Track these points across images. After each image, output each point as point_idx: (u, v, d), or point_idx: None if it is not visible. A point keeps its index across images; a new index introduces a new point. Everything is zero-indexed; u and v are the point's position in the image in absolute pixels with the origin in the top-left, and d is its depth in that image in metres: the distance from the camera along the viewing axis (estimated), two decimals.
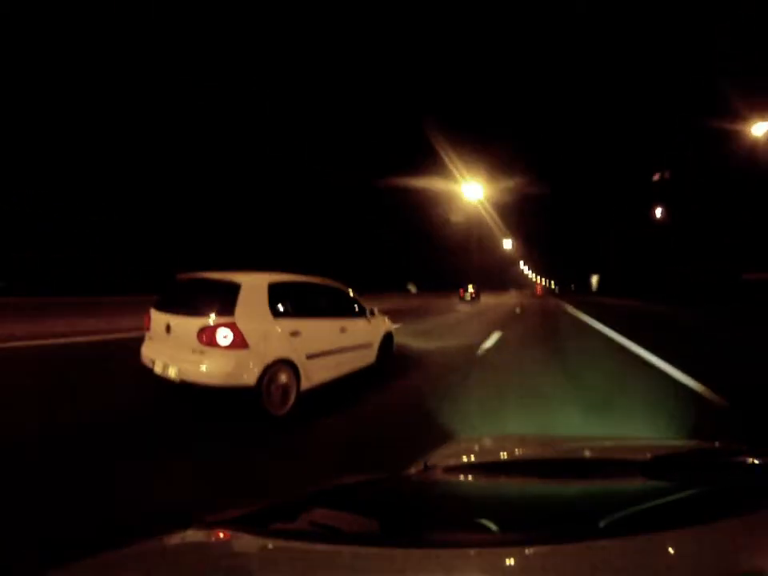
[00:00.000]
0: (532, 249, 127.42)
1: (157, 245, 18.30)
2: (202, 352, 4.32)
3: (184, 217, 19.66)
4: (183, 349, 4.42)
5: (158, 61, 17.12)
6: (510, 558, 0.83)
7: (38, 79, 14.08)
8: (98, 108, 15.93)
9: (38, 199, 14.56)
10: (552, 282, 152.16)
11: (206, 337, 4.31)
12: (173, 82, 17.94)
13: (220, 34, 18.72)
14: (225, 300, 4.48)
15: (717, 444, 1.64)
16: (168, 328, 4.63)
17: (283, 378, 4.65)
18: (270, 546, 0.89)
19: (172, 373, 4.41)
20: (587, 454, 1.69)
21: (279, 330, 4.79)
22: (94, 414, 4.38)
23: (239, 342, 4.34)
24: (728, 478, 1.21)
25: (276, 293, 4.91)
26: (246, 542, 0.91)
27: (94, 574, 0.85)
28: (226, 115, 21.93)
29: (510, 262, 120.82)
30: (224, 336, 4.30)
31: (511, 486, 1.33)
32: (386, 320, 7.47)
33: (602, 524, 0.92)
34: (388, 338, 7.26)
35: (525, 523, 0.98)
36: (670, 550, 0.85)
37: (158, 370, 4.57)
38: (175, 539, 0.97)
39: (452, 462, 1.51)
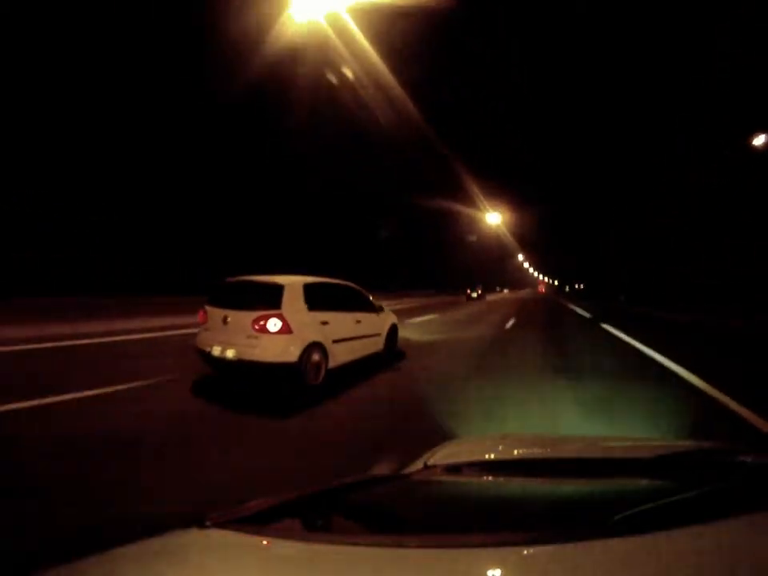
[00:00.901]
0: (534, 243, 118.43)
1: (157, 245, 18.31)
2: (256, 337, 5.60)
3: (185, 217, 19.66)
4: (240, 335, 5.67)
5: (158, 60, 17.13)
6: (510, 558, 0.83)
7: (38, 79, 14.11)
8: (98, 108, 15.95)
9: (38, 199, 14.58)
10: (555, 281, 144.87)
11: (260, 325, 5.62)
12: (179, 82, 17.94)
13: (220, 33, 18.67)
14: (272, 297, 5.82)
15: (718, 444, 1.62)
16: (225, 320, 5.84)
17: (316, 357, 6.03)
18: (270, 546, 0.89)
19: (229, 354, 5.61)
20: (588, 453, 1.69)
21: (313, 320, 6.16)
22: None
23: (285, 329, 5.68)
24: (729, 478, 1.21)
25: (309, 291, 6.25)
26: (246, 542, 0.90)
27: (93, 573, 0.85)
28: (231, 115, 21.88)
29: (507, 254, 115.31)
30: (274, 324, 5.62)
31: (511, 485, 1.32)
32: (392, 315, 8.85)
33: (602, 524, 0.91)
34: (393, 329, 8.68)
35: (525, 523, 0.98)
36: (671, 550, 0.84)
37: (215, 353, 5.74)
38: (175, 539, 0.96)
39: (452, 461, 1.50)
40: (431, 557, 0.83)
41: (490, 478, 1.37)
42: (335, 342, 6.46)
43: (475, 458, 1.64)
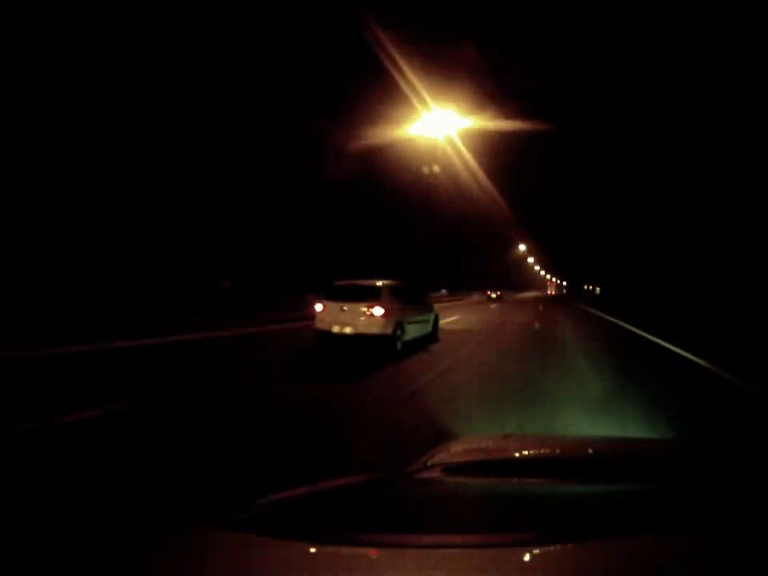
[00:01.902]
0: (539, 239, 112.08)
1: (156, 246, 18.29)
2: (367, 319, 8.97)
3: (187, 217, 19.65)
4: (355, 318, 9.00)
5: (160, 60, 17.13)
6: (510, 559, 0.83)
7: (38, 79, 14.12)
8: (98, 108, 15.95)
9: (38, 199, 14.58)
10: (563, 281, 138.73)
11: (370, 311, 8.97)
12: (178, 81, 17.94)
13: (221, 33, 18.69)
14: (375, 293, 9.31)
15: (718, 443, 1.69)
16: (342, 309, 9.13)
17: (398, 332, 9.44)
18: (271, 545, 0.88)
19: (347, 330, 9.00)
20: (588, 453, 1.70)
21: (397, 308, 9.59)
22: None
23: (385, 313, 9.07)
24: (729, 478, 1.21)
25: (394, 289, 9.87)
26: (246, 542, 0.91)
27: (93, 573, 0.85)
28: (228, 114, 21.85)
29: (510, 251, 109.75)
30: (378, 310, 8.98)
31: (512, 485, 1.33)
32: (434, 308, 12.74)
33: (603, 525, 0.91)
34: (436, 318, 12.49)
35: (526, 524, 0.98)
36: (671, 551, 0.84)
37: (335, 330, 9.10)
38: (176, 539, 0.96)
39: (452, 461, 1.50)
40: (431, 557, 0.82)
41: (491, 478, 1.36)
42: (408, 323, 9.98)
43: (476, 457, 1.64)
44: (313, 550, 0.86)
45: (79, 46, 14.50)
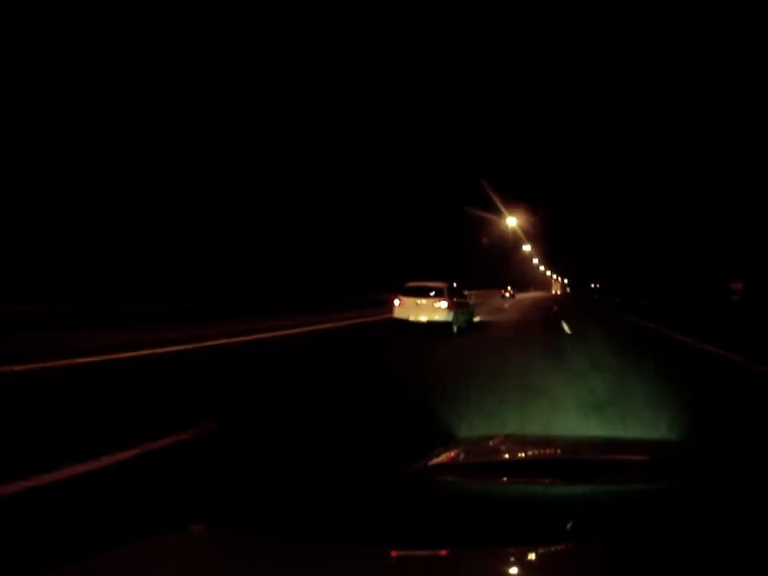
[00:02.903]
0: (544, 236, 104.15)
1: (157, 246, 18.06)
2: (435, 310, 12.47)
3: (188, 219, 19.38)
4: (427, 309, 12.49)
5: (162, 59, 16.79)
6: (510, 559, 0.84)
7: (38, 79, 13.82)
8: (98, 108, 15.64)
9: (38, 199, 14.38)
10: (565, 279, 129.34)
11: (437, 304, 12.52)
12: (178, 81, 17.58)
13: (222, 33, 18.31)
14: (440, 291, 12.75)
15: (718, 444, 1.70)
16: (416, 303, 12.52)
17: (454, 319, 12.81)
18: (270, 546, 0.88)
19: (422, 318, 12.48)
20: (588, 454, 1.69)
21: (453, 302, 13.01)
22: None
23: (448, 306, 12.62)
24: (729, 478, 1.23)
25: (450, 288, 13.21)
26: (246, 542, 0.90)
27: (92, 574, 0.84)
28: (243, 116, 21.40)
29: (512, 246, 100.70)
30: (443, 303, 12.54)
31: (512, 486, 1.32)
32: (470, 300, 17.22)
33: (603, 525, 0.93)
34: (473, 309, 16.43)
35: (525, 524, 0.99)
36: (672, 551, 0.84)
37: (412, 318, 12.59)
38: (175, 539, 0.96)
39: (452, 462, 1.50)
40: (431, 557, 0.83)
41: (491, 478, 1.35)
42: (458, 313, 13.40)
43: (476, 458, 1.65)
44: (313, 550, 0.86)
45: (80, 46, 14.15)
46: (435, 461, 1.47)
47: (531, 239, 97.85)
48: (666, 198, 39.07)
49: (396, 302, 12.88)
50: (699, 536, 0.87)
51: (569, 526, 0.93)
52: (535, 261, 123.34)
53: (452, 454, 1.67)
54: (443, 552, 0.85)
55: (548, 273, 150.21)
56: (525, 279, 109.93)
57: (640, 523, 0.89)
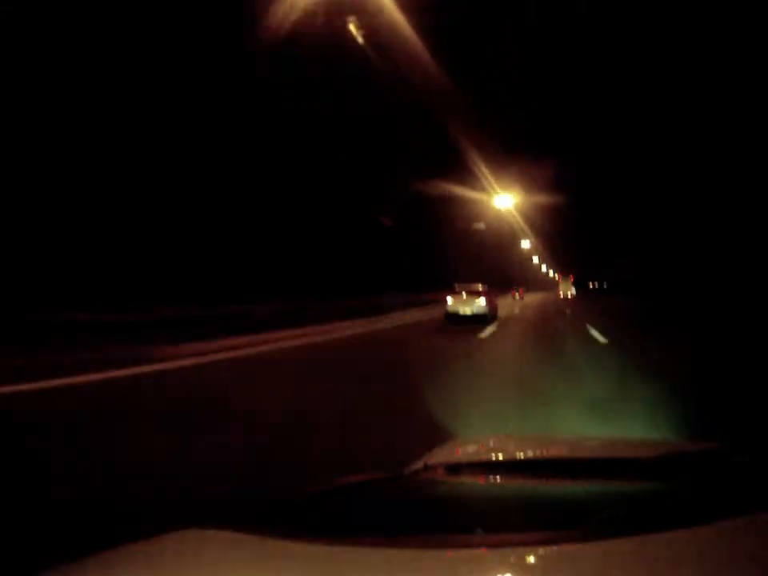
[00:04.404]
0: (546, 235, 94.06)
1: (157, 247, 18.00)
2: (478, 305, 16.59)
3: (190, 220, 19.38)
4: (472, 305, 16.57)
5: (162, 59, 16.82)
6: (510, 559, 0.84)
7: (38, 79, 13.88)
8: (99, 107, 15.72)
9: (38, 199, 14.40)
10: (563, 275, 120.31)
11: (480, 300, 16.73)
12: (178, 80, 17.60)
13: (223, 33, 18.29)
14: (480, 291, 17.29)
15: (718, 444, 1.68)
16: (464, 299, 16.78)
17: (489, 312, 16.93)
18: (270, 546, 0.88)
19: (468, 311, 16.45)
20: (588, 453, 1.69)
21: (489, 299, 17.27)
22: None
23: (488, 302, 16.96)
24: (730, 478, 1.23)
25: (486, 288, 18.01)
26: (246, 542, 0.90)
27: (91, 574, 0.84)
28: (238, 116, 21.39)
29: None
30: (483, 300, 16.78)
31: (512, 486, 1.32)
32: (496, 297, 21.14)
33: (603, 525, 0.93)
34: (497, 303, 20.21)
35: (526, 524, 0.99)
36: (672, 551, 0.84)
37: (461, 312, 16.48)
38: (174, 539, 0.95)
39: (452, 461, 1.50)
40: (431, 557, 0.83)
41: (491, 478, 1.36)
42: (492, 307, 17.31)
43: (476, 458, 1.64)
44: (311, 550, 0.86)
45: (81, 46, 14.22)
46: (434, 460, 1.47)
47: (532, 233, 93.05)
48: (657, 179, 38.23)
49: (449, 299, 17.17)
50: (699, 536, 0.87)
51: (569, 525, 0.93)
52: (535, 259, 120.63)
53: (451, 453, 1.68)
54: (443, 552, 0.85)
55: (550, 272, 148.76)
56: (526, 278, 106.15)
57: (641, 522, 0.89)
